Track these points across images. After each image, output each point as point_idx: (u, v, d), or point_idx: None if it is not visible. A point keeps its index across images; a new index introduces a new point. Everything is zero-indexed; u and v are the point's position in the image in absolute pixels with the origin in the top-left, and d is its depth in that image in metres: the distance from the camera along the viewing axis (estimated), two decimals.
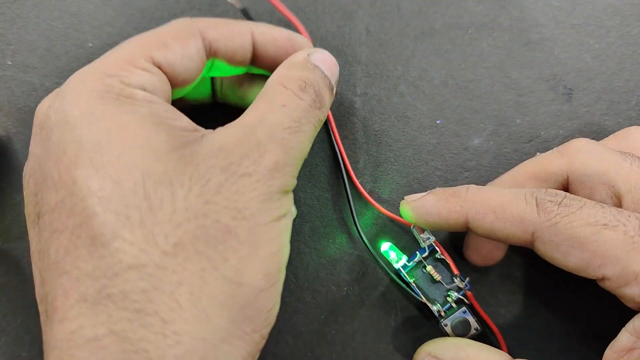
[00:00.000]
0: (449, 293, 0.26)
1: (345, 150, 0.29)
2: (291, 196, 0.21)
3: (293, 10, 0.31)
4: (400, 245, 0.27)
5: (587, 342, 0.27)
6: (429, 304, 0.26)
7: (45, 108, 0.20)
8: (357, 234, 0.27)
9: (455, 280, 0.26)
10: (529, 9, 0.31)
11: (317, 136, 0.30)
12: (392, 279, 0.27)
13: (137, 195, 0.18)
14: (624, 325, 0.22)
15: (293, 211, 0.22)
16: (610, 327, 0.23)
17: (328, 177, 0.29)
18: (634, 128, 0.26)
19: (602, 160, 0.23)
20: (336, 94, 0.30)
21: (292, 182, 0.21)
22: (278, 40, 0.24)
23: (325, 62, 0.24)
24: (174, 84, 0.22)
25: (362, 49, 0.31)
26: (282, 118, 0.21)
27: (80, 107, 0.19)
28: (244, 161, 0.19)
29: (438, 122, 0.30)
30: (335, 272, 0.29)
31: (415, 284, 0.26)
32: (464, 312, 0.26)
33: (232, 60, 0.24)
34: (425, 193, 0.25)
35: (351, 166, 0.29)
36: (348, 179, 0.28)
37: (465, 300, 0.26)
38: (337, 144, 0.29)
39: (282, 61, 0.24)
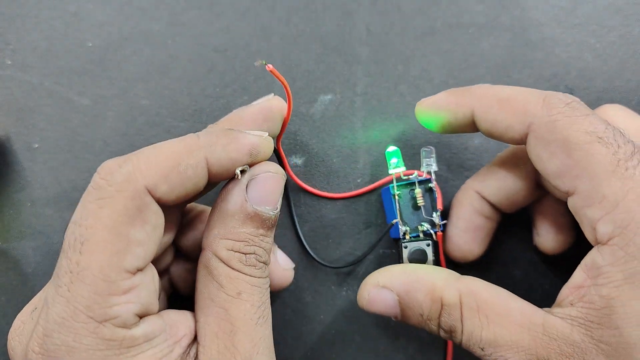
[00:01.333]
0: (422, 223, 0.26)
1: (345, 150, 0.29)
2: None
3: (293, 9, 0.31)
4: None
5: None
6: (400, 223, 0.26)
7: None
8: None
9: (435, 215, 0.26)
10: (529, 8, 0.31)
11: (313, 137, 0.30)
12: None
13: None
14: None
15: None
16: None
17: (327, 179, 0.29)
18: (608, 106, 0.27)
19: None
20: (336, 94, 0.30)
21: None
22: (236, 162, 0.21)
23: (267, 190, 0.21)
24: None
25: (362, 48, 0.30)
26: (249, 312, 0.20)
27: None
28: None
29: None
30: (335, 272, 0.29)
31: (397, 198, 0.26)
32: (428, 245, 0.26)
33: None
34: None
35: (351, 166, 0.29)
36: None
37: (434, 237, 0.26)
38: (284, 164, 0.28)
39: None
